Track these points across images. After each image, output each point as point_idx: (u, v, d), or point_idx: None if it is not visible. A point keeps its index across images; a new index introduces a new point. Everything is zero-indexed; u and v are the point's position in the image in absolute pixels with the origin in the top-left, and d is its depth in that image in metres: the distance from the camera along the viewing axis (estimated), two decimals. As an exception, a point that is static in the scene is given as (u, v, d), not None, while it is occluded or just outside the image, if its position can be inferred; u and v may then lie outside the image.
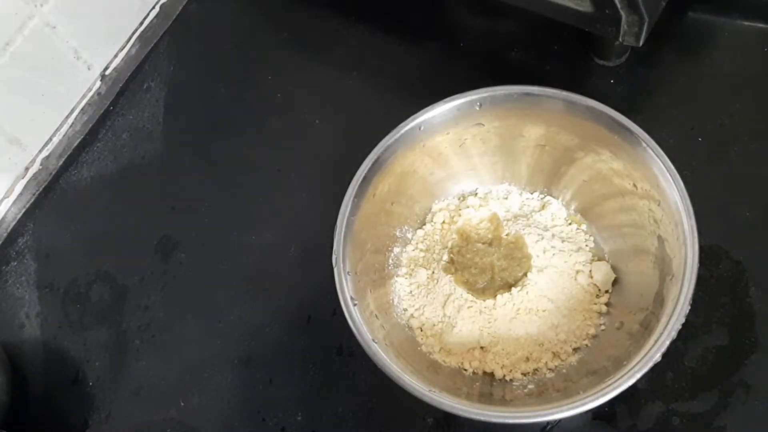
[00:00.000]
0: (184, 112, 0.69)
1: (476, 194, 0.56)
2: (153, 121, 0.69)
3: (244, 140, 0.66)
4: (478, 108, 0.50)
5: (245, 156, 0.65)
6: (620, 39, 0.53)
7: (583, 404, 0.42)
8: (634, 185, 0.48)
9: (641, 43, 0.53)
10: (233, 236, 0.61)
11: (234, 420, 0.54)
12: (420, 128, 0.51)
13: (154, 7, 0.73)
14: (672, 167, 0.45)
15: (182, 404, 0.56)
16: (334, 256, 0.48)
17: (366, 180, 0.50)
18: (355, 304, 0.47)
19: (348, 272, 0.48)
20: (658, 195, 0.46)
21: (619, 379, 0.42)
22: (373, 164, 0.50)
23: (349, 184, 0.61)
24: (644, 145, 0.46)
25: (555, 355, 0.49)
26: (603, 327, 0.50)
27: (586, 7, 0.53)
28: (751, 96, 0.57)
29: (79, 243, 0.65)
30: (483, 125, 0.52)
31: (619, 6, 0.51)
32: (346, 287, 0.47)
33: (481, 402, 0.47)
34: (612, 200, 0.51)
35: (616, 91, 0.60)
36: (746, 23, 0.60)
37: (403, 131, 0.50)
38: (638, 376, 0.41)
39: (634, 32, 0.52)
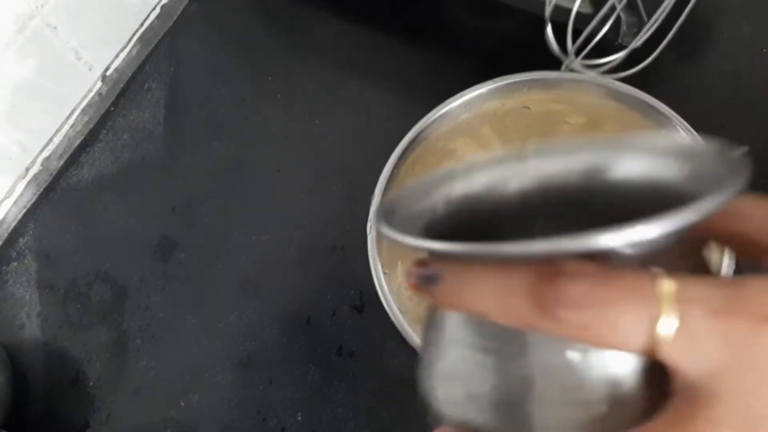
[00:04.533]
0: (184, 112, 0.69)
1: None
2: (153, 122, 0.69)
3: (244, 140, 0.66)
4: (526, 91, 0.50)
5: (245, 156, 0.65)
6: (620, 39, 0.53)
7: None
8: None
9: (641, 43, 0.53)
10: (233, 236, 0.61)
11: (234, 420, 0.54)
12: (465, 106, 0.50)
13: (154, 8, 0.74)
14: None
15: (182, 404, 0.56)
16: (369, 224, 0.48)
17: (406, 153, 0.49)
18: (385, 273, 0.47)
19: (381, 242, 0.48)
20: None
21: None
22: (414, 138, 0.49)
23: (348, 184, 0.61)
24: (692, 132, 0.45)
25: None
26: None
27: (585, 7, 0.53)
28: (751, 96, 0.57)
29: (79, 243, 0.65)
30: (529, 109, 0.51)
31: (618, 6, 0.51)
32: (378, 256, 0.47)
33: None
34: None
35: (616, 91, 0.60)
36: (746, 23, 0.59)
37: (447, 108, 0.50)
38: None
39: (633, 32, 0.52)
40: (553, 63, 0.62)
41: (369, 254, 0.47)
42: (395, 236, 0.19)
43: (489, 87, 0.50)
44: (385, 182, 0.49)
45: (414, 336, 0.45)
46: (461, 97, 0.50)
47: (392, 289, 0.47)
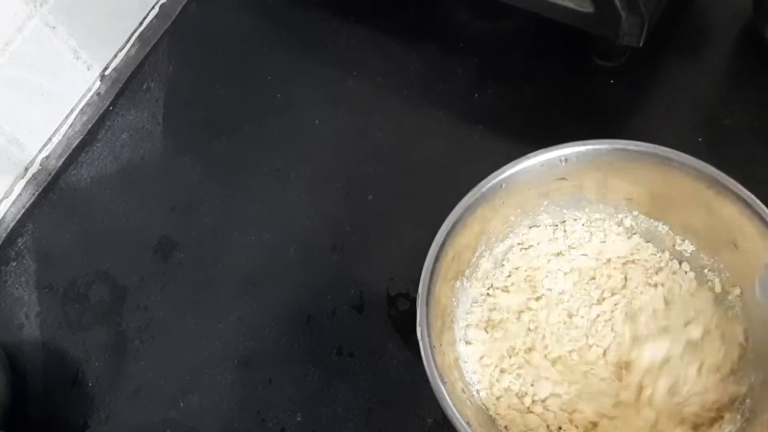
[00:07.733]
0: (183, 112, 0.69)
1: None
2: (153, 122, 0.69)
3: (244, 140, 0.65)
4: (563, 163, 0.48)
5: (245, 156, 0.65)
6: (620, 39, 0.53)
7: None
8: (734, 245, 0.46)
9: (641, 43, 0.53)
10: (233, 236, 0.61)
11: (234, 420, 0.54)
12: (501, 186, 0.48)
13: (153, 7, 0.73)
14: None
15: (182, 404, 0.56)
16: (418, 328, 0.44)
17: (444, 245, 0.46)
18: (444, 382, 0.43)
19: (433, 346, 0.44)
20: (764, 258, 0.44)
21: None
22: (452, 227, 0.46)
23: (348, 184, 0.61)
24: (748, 203, 0.43)
25: None
26: None
27: (586, 7, 0.53)
28: (751, 96, 0.57)
29: (78, 243, 0.64)
30: (566, 180, 0.49)
31: (619, 6, 0.51)
32: (434, 364, 0.43)
33: None
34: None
35: (616, 91, 0.60)
36: (744, 23, 0.60)
37: (484, 189, 0.47)
38: None
39: (634, 32, 0.52)
40: (553, 62, 0.62)
41: (424, 363, 0.43)
42: None
43: (524, 164, 0.47)
44: (427, 282, 0.45)
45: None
46: (496, 177, 0.47)
47: (455, 399, 0.43)
